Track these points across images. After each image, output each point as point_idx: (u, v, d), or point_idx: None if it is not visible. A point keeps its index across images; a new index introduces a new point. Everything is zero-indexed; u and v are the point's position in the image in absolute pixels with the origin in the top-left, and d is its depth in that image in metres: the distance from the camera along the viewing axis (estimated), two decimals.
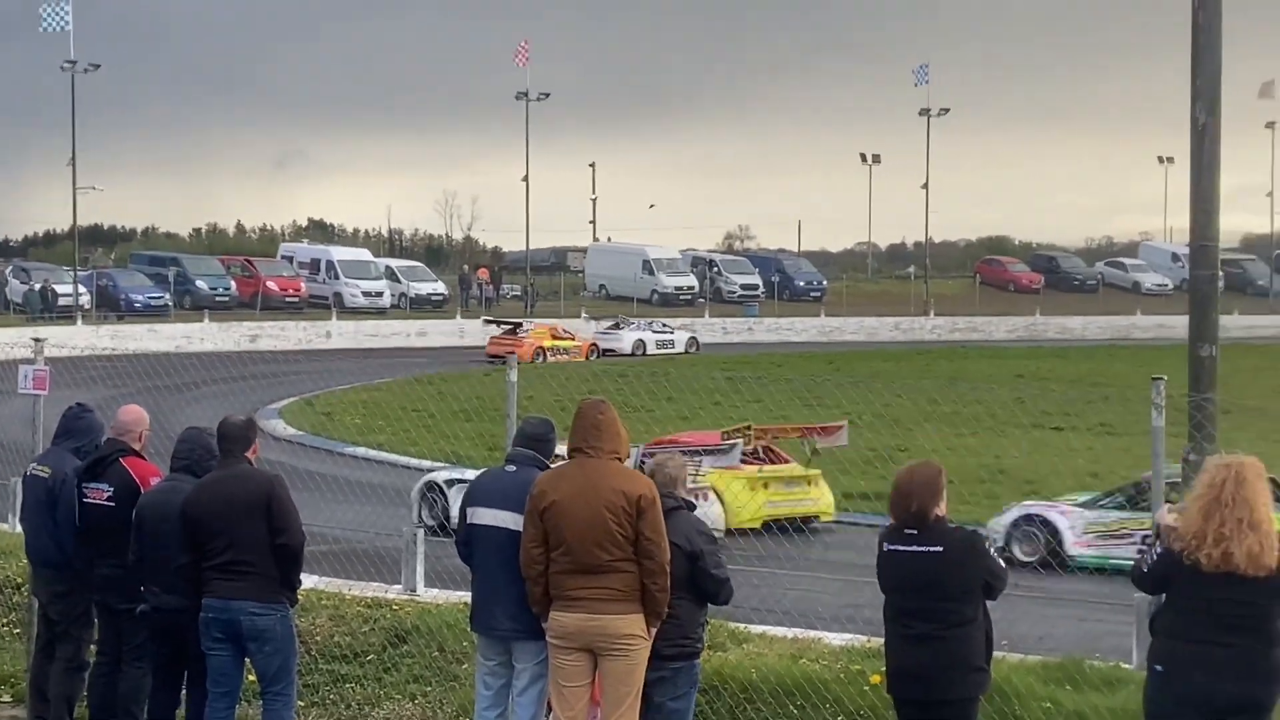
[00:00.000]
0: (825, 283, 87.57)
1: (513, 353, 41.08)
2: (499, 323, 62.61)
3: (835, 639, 11.96)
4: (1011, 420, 31.90)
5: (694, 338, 65.39)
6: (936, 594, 8.11)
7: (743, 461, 22.83)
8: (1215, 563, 7.31)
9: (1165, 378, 9.07)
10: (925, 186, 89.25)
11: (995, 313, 78.74)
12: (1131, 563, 8.09)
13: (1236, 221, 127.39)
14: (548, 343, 58.07)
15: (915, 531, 8.15)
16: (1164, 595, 7.72)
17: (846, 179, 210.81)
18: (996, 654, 8.85)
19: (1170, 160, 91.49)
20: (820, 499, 23.11)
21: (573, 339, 60.40)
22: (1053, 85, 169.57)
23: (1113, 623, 13.77)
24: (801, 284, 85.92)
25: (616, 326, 64.08)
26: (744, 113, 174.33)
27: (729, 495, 21.77)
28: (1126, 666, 10.64)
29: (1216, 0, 9.66)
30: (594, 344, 60.72)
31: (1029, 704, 9.85)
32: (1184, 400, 9.76)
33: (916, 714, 8.35)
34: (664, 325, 65.86)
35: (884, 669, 8.57)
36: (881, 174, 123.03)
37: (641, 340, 62.43)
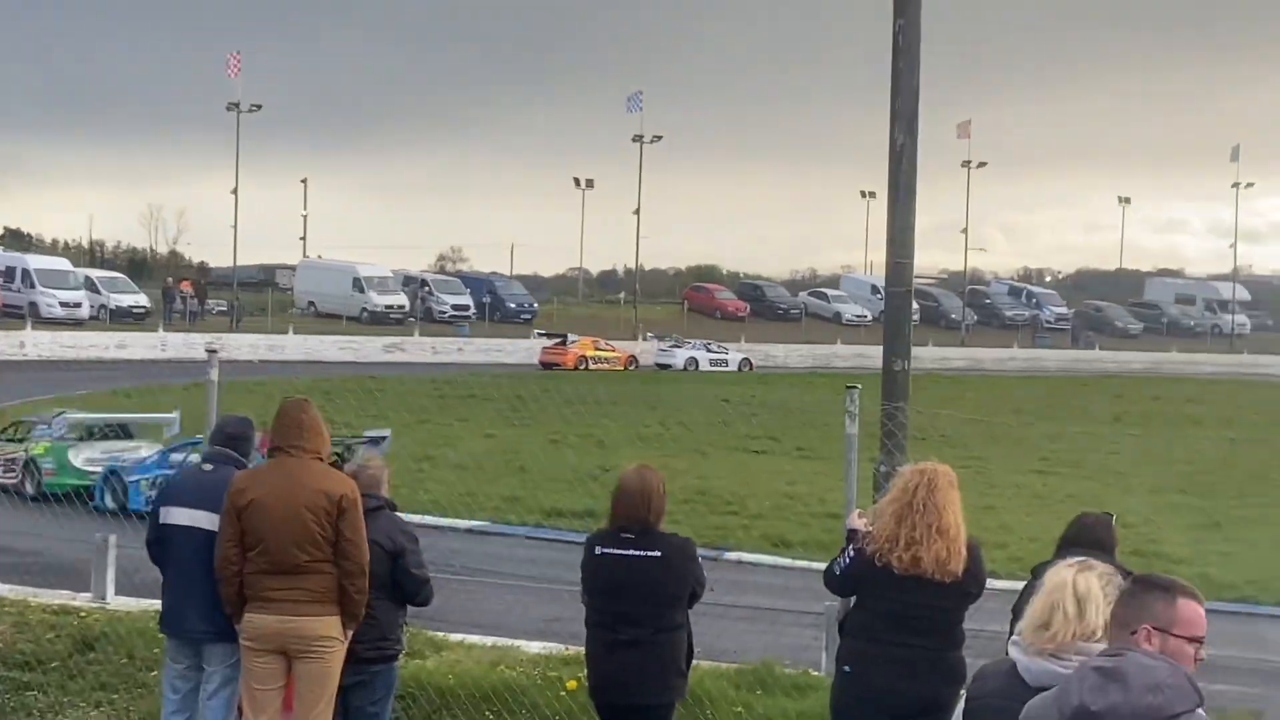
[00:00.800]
0: (536, 305, 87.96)
1: (561, 362, 51.01)
2: (549, 335, 69.43)
3: (534, 647, 11.99)
4: (715, 443, 32.47)
5: (747, 359, 70.20)
6: (651, 599, 8.11)
7: None
8: (905, 566, 7.46)
9: (859, 386, 9.32)
10: (637, 212, 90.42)
11: (702, 339, 79.88)
12: None
13: (934, 259, 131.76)
14: (590, 353, 65.71)
15: (633, 536, 8.13)
16: (854, 598, 7.90)
17: (561, 204, 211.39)
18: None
19: (872, 195, 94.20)
20: None
21: (613, 350, 67.76)
22: (762, 117, 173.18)
23: (804, 635, 14.08)
24: (513, 306, 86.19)
25: (676, 346, 70.21)
26: (458, 135, 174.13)
27: None
28: (816, 673, 10.88)
29: (916, 24, 9.99)
30: (633, 356, 68.02)
31: (722, 708, 10.00)
32: (881, 426, 10.03)
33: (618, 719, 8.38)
34: (720, 346, 71.30)
35: (583, 675, 8.56)
36: (595, 199, 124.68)
37: (694, 358, 68.81)
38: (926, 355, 72.46)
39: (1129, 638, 4.57)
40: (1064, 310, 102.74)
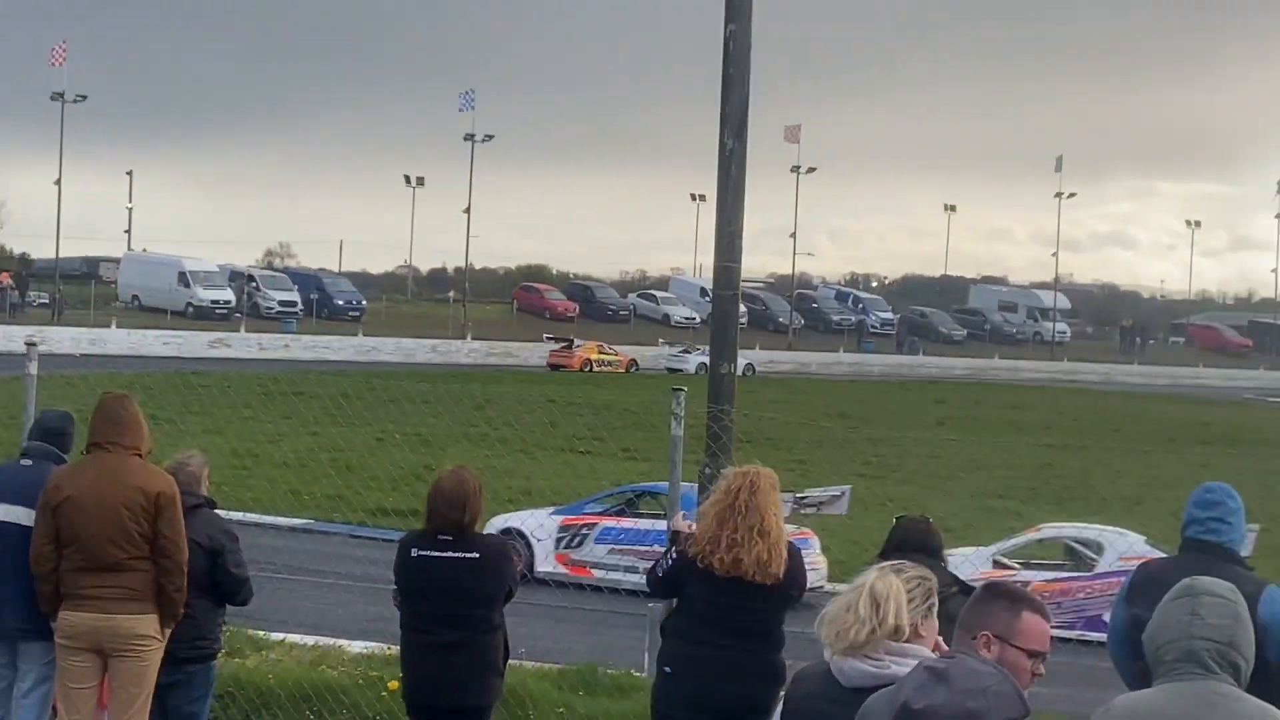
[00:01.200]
0: (365, 303, 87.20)
1: (568, 364, 56.32)
2: (556, 339, 74.94)
3: (356, 647, 11.91)
4: (541, 443, 32.42)
5: (750, 364, 70.27)
6: (468, 601, 8.07)
7: None
8: (726, 568, 7.50)
9: (685, 389, 9.37)
10: (467, 211, 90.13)
11: (532, 339, 79.75)
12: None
13: (763, 262, 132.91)
14: (595, 356, 71.01)
15: (451, 537, 8.08)
16: (676, 599, 7.94)
17: (391, 202, 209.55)
18: (514, 662, 8.94)
19: (702, 198, 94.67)
20: None
21: (616, 354, 72.99)
22: (594, 119, 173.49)
23: (628, 637, 14.12)
24: (341, 303, 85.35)
25: (686, 352, 73.96)
26: (289, 131, 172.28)
27: None
28: (638, 674, 10.93)
29: (747, 31, 10.08)
30: (633, 360, 73.13)
31: (544, 709, 10.01)
32: (706, 429, 10.08)
33: None
34: None
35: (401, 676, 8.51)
36: (426, 197, 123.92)
37: (704, 364, 65.12)
38: (754, 358, 73.14)
39: (970, 642, 4.65)
40: (889, 315, 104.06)
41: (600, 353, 72.30)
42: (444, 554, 8.08)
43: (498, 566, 8.18)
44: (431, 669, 8.15)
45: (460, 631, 8.07)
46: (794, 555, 7.71)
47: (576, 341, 73.64)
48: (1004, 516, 26.80)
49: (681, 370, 70.24)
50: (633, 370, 71.54)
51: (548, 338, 76.95)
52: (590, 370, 69.01)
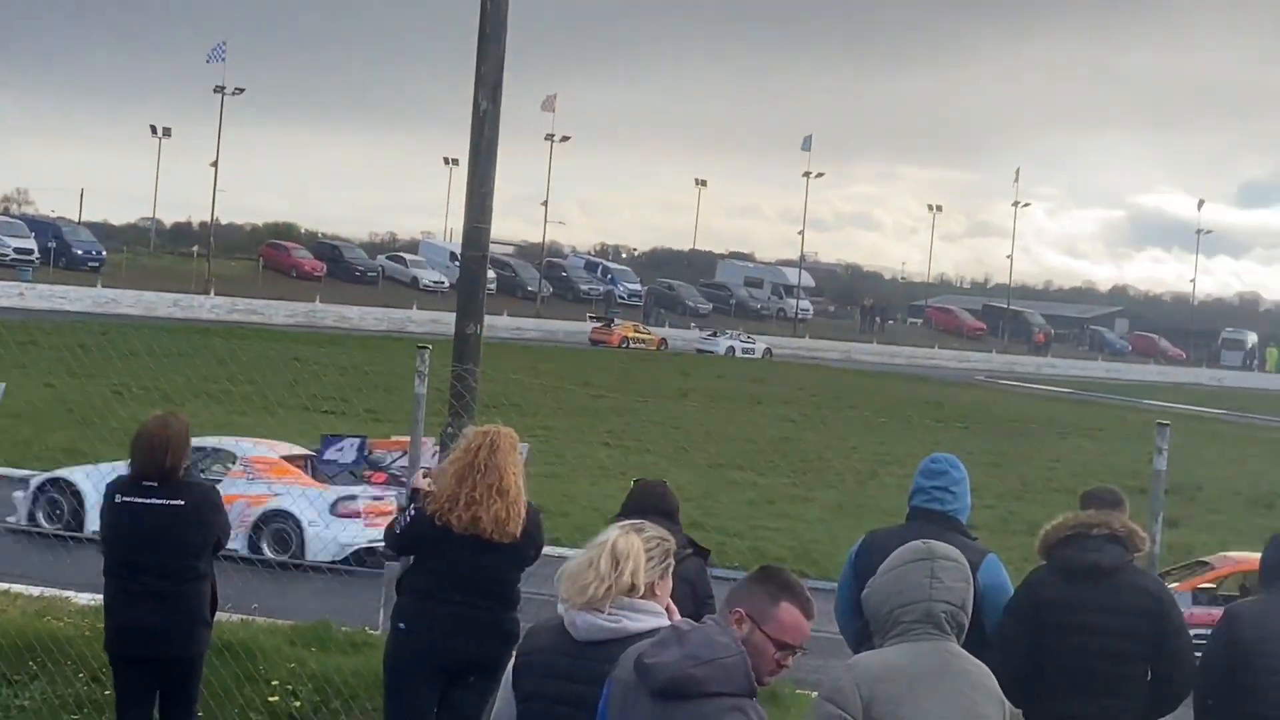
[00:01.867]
0: (104, 253, 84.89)
1: (608, 340, 66.88)
2: (597, 318, 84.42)
3: (83, 598, 11.67)
4: (284, 402, 32.03)
5: (769, 349, 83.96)
6: (174, 549, 7.95)
7: None
8: (464, 526, 7.52)
9: (430, 347, 9.37)
10: (215, 165, 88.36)
11: (277, 297, 78.51)
12: None
13: (514, 229, 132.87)
14: (631, 335, 79.71)
15: (155, 484, 7.95)
16: (413, 556, 7.94)
17: (137, 152, 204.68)
18: (246, 617, 8.87)
19: (455, 162, 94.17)
20: None
21: (649, 334, 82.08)
22: (347, 78, 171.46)
23: (364, 597, 14.07)
24: (80, 253, 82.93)
25: (715, 335, 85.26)
26: (28, 73, 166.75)
27: None
28: (373, 631, 10.91)
29: None
30: (663, 339, 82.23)
31: (276, 664, 9.93)
32: (450, 388, 10.06)
33: (141, 673, 8.14)
34: (748, 337, 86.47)
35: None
36: (172, 149, 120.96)
37: (732, 347, 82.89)
38: (502, 324, 73.12)
39: (727, 615, 4.75)
40: (637, 287, 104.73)
41: (635, 331, 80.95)
42: (148, 500, 7.95)
43: (204, 514, 8.07)
44: (135, 617, 7.99)
45: (165, 580, 7.95)
46: (533, 516, 7.76)
47: (615, 321, 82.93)
48: (742, 488, 27.22)
49: (711, 352, 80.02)
50: (662, 349, 79.54)
51: (590, 316, 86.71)
52: (627, 347, 77.00)
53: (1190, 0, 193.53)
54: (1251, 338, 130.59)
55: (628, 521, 5.41)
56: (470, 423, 9.13)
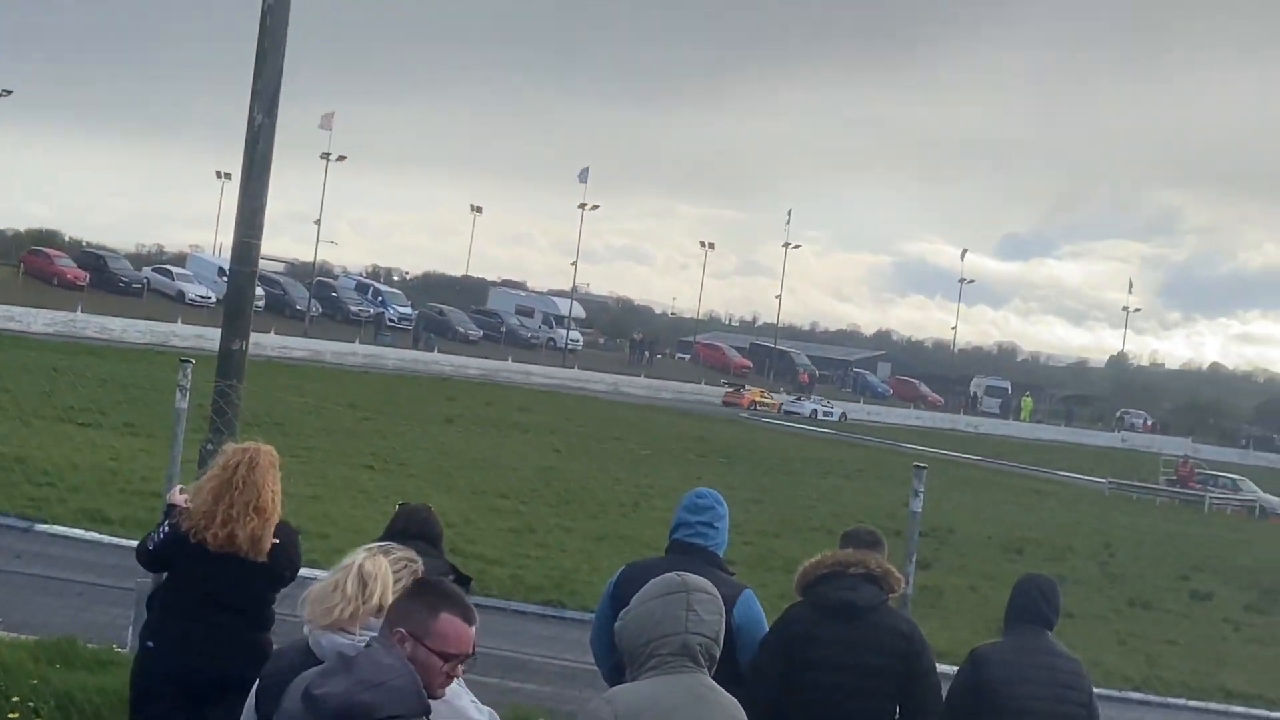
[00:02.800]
0: None
1: (739, 403, 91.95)
2: (730, 384, 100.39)
3: None
4: (39, 413, 31.21)
5: (844, 413, 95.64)
6: None
7: None
8: (219, 543, 7.43)
9: (193, 361, 9.21)
10: None
11: (36, 304, 76.46)
12: None
13: (285, 247, 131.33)
14: (757, 399, 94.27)
15: None
16: (166, 573, 7.79)
17: None
18: None
19: (228, 176, 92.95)
20: None
21: (771, 399, 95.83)
22: (119, 86, 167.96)
23: (113, 613, 13.74)
24: None
25: (799, 399, 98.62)
26: None
27: None
28: (121, 649, 10.67)
29: (285, 6, 9.98)
30: (780, 404, 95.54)
31: (19, 680, 9.65)
32: (212, 404, 9.90)
33: None
34: (828, 402, 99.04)
35: None
36: None
37: (816, 409, 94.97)
38: (269, 342, 72.17)
39: (389, 634, 4.73)
40: (408, 310, 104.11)
41: (760, 397, 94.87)
42: None
43: None
44: None
45: None
46: (288, 536, 7.68)
47: (746, 387, 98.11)
48: (505, 515, 27.18)
49: (797, 414, 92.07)
50: (780, 411, 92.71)
51: (723, 382, 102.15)
52: (754, 409, 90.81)
53: (951, 57, 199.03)
54: (1004, 385, 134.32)
55: (374, 544, 5.39)
56: (231, 439, 9.00)
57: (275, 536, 7.56)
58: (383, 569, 5.10)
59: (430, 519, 8.16)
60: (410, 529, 7.84)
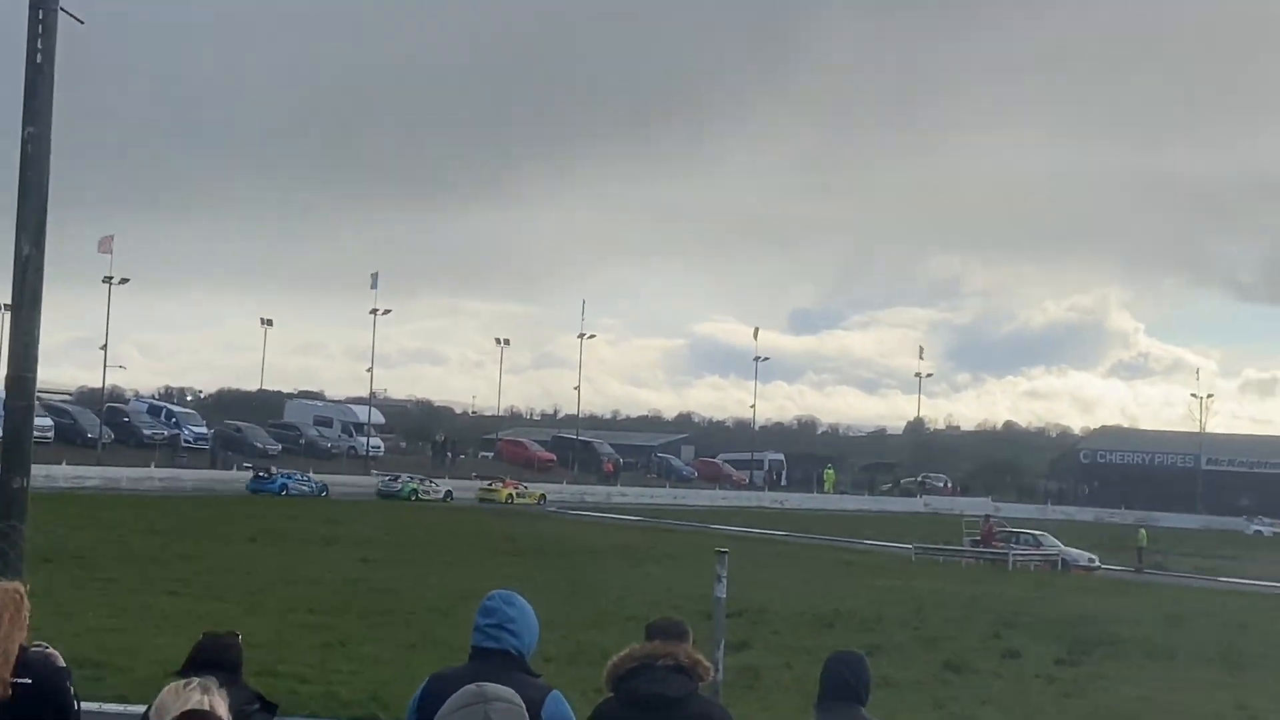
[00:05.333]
0: None
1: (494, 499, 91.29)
2: (484, 478, 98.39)
3: None
4: None
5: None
6: None
7: None
8: None
9: None
10: None
11: None
12: None
13: (72, 375, 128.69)
14: (514, 492, 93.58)
15: None
16: None
17: None
18: None
19: (5, 308, 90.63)
20: None
21: (530, 491, 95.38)
22: None
23: None
24: None
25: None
26: None
27: None
28: None
29: (46, 134, 9.78)
30: (543, 495, 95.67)
31: None
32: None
33: None
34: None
35: None
36: None
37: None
38: (61, 474, 70.55)
39: None
40: (204, 430, 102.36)
41: (515, 489, 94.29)
42: None
43: None
44: None
45: None
46: (44, 672, 7.23)
47: (503, 480, 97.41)
48: (315, 631, 26.75)
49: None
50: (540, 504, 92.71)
51: (475, 475, 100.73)
52: (511, 502, 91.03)
53: (727, 138, 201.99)
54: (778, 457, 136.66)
55: (182, 681, 5.25)
56: (18, 580, 8.72)
57: (25, 676, 7.22)
58: (167, 702, 4.97)
59: (230, 646, 7.97)
60: (207, 659, 7.65)
